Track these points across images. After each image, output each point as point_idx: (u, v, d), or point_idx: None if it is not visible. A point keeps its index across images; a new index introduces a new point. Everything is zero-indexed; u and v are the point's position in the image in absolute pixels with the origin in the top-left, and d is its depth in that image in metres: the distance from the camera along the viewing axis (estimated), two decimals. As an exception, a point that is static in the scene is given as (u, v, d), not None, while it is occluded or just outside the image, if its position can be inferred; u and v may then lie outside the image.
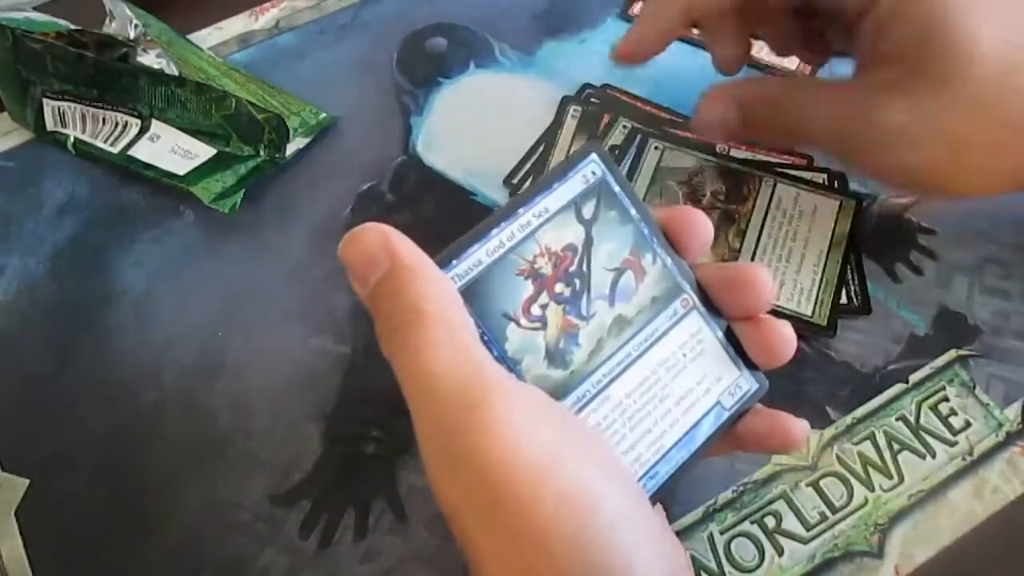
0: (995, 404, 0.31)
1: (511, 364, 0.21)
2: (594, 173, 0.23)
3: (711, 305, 0.24)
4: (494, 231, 0.21)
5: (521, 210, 0.22)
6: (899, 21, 0.26)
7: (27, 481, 0.31)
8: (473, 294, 0.21)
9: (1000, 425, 0.31)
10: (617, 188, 0.23)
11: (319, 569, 0.29)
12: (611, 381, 0.22)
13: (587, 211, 0.22)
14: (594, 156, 0.23)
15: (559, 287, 0.22)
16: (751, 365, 0.24)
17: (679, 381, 0.23)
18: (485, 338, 0.21)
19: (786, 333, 0.23)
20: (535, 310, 0.21)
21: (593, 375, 0.22)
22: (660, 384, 0.23)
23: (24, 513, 0.30)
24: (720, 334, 0.24)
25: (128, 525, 0.30)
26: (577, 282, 0.22)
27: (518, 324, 0.21)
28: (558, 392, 0.21)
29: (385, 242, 0.19)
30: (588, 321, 0.22)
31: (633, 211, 0.23)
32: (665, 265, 0.23)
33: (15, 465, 0.31)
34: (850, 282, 0.34)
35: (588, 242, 0.22)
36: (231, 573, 0.29)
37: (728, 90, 0.30)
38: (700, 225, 0.24)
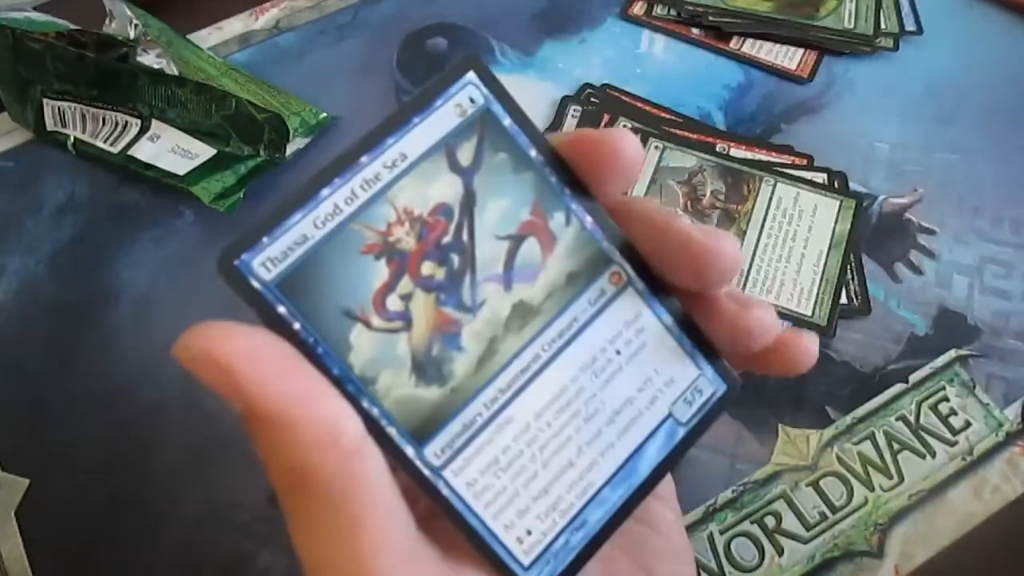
0: (995, 404, 0.31)
1: (359, 386, 0.15)
2: (472, 100, 0.16)
3: (653, 278, 0.17)
4: (324, 191, 0.15)
5: (365, 158, 0.15)
6: None
7: (27, 481, 0.31)
8: (296, 286, 0.15)
9: (1000, 425, 0.31)
10: (507, 121, 0.16)
11: (319, 569, 0.29)
12: (512, 397, 0.16)
13: (464, 156, 0.16)
14: (471, 75, 0.16)
15: (428, 267, 0.16)
16: (714, 358, 0.18)
17: (612, 389, 0.17)
18: (319, 350, 0.15)
19: (758, 315, 0.17)
20: (392, 303, 0.15)
21: (485, 391, 0.16)
22: (584, 396, 0.17)
23: (24, 513, 0.30)
24: (669, 318, 0.17)
25: (128, 525, 0.30)
26: (455, 258, 0.16)
27: (368, 325, 0.15)
28: (435, 420, 0.16)
29: (226, 379, 0.13)
30: (474, 313, 0.16)
31: (533, 152, 0.16)
32: (583, 226, 0.17)
33: (15, 465, 0.31)
34: (850, 282, 0.34)
35: (468, 200, 0.16)
36: (231, 573, 0.29)
37: None
38: (618, 147, 0.16)
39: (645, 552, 0.19)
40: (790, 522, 0.29)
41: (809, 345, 0.18)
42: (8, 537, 0.30)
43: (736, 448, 0.31)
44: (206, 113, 0.37)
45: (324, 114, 0.40)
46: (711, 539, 0.29)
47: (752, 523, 0.29)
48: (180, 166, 0.37)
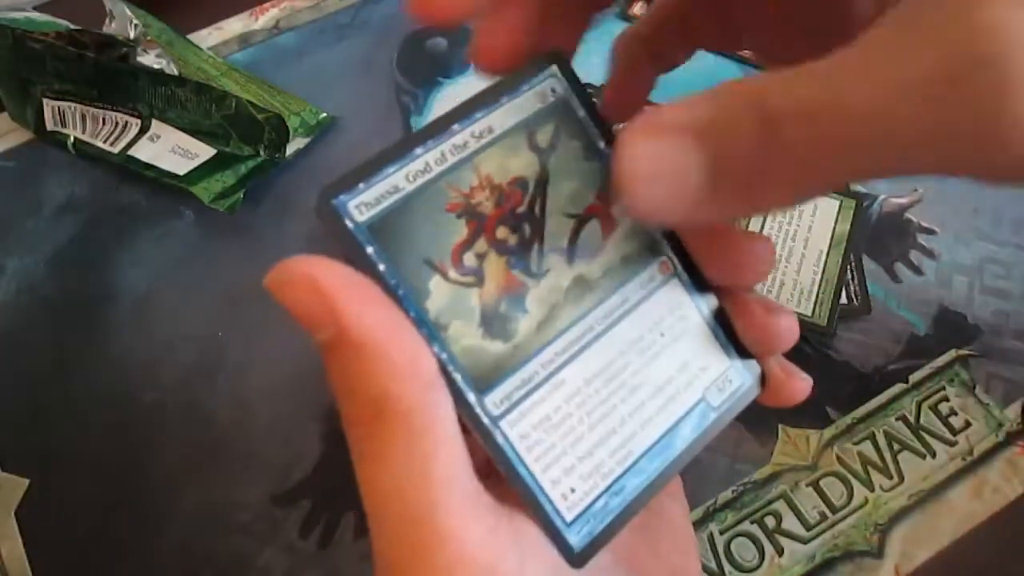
0: (995, 404, 0.31)
1: (432, 331, 0.16)
2: (553, 91, 0.18)
3: (696, 273, 0.19)
4: (418, 150, 0.16)
5: (457, 127, 0.17)
6: None
7: (27, 481, 0.31)
8: (385, 231, 0.16)
9: (1000, 425, 0.31)
10: (582, 112, 0.18)
11: (319, 569, 0.29)
12: (567, 362, 0.17)
13: (542, 138, 0.18)
14: (554, 69, 0.18)
15: (502, 232, 0.17)
16: (744, 353, 0.19)
17: (655, 368, 0.18)
18: (399, 292, 0.16)
19: (785, 321, 0.19)
20: (468, 259, 0.17)
21: (543, 352, 0.17)
22: (631, 370, 0.18)
23: (24, 513, 0.30)
24: (706, 311, 0.19)
25: (128, 525, 0.30)
26: (527, 228, 0.17)
27: (445, 276, 0.16)
28: (496, 372, 0.17)
29: (323, 303, 0.14)
30: (539, 280, 0.17)
31: (602, 144, 0.18)
32: None
33: (15, 465, 0.31)
34: (850, 282, 0.34)
35: (543, 177, 0.17)
36: (231, 573, 0.29)
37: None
38: None
39: (658, 542, 0.21)
40: (790, 522, 0.29)
41: (802, 381, 0.19)
42: (8, 537, 0.30)
43: (736, 448, 0.31)
44: (206, 113, 0.37)
45: (324, 114, 0.40)
46: (711, 539, 0.29)
47: (752, 523, 0.29)
48: (180, 166, 0.37)
